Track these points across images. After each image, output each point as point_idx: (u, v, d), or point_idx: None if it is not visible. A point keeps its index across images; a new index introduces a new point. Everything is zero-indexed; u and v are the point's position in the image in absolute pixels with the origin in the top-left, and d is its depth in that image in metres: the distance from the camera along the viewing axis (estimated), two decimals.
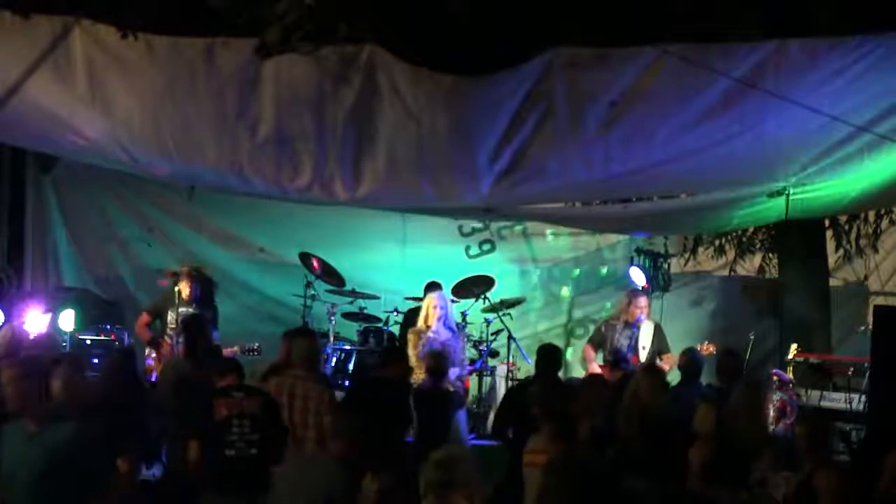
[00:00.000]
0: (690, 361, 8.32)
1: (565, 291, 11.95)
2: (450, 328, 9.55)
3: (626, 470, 5.84)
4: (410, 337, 9.56)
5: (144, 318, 9.48)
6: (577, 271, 11.94)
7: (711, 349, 9.60)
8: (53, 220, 11.39)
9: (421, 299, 10.66)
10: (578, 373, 11.27)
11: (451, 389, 8.63)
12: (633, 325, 9.64)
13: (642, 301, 9.77)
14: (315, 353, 7.19)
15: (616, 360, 8.94)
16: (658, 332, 9.70)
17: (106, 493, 5.19)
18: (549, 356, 8.02)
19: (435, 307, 9.58)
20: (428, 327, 9.48)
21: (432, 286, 10.56)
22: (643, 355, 9.53)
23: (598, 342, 9.83)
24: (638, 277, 10.42)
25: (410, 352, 9.29)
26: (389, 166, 7.41)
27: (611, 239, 11.64)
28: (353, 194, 7.64)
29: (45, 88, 7.25)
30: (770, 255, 11.00)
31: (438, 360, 8.46)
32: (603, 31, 6.96)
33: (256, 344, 9.32)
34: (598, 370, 9.47)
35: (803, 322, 10.29)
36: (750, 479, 6.08)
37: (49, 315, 9.47)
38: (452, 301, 10.67)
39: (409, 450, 7.54)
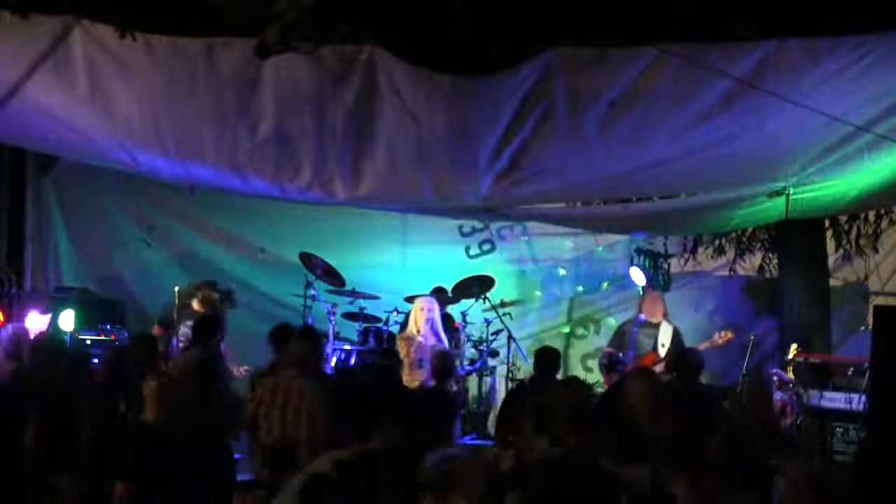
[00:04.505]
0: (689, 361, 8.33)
1: (565, 291, 11.94)
2: (436, 333, 9.58)
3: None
4: (401, 344, 9.57)
5: (156, 331, 9.40)
6: (576, 271, 11.94)
7: (729, 336, 9.65)
8: (53, 220, 11.39)
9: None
10: (579, 372, 11.31)
11: (454, 390, 8.64)
12: (634, 324, 9.70)
13: (648, 298, 9.84)
14: (308, 354, 7.17)
15: (611, 363, 8.96)
16: (676, 335, 9.76)
17: None
18: (548, 359, 8.07)
19: (422, 309, 9.62)
20: (417, 332, 9.51)
21: (433, 291, 10.58)
22: (662, 352, 9.63)
23: (618, 345, 9.85)
24: (638, 277, 10.43)
25: (403, 359, 9.31)
26: (389, 166, 7.41)
27: (611, 239, 11.63)
28: (353, 194, 7.64)
29: (45, 88, 7.24)
30: (770, 255, 10.99)
31: (444, 361, 8.47)
32: (603, 31, 6.95)
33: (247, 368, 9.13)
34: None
35: (803, 322, 10.30)
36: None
37: (49, 315, 9.47)
38: (450, 301, 10.69)
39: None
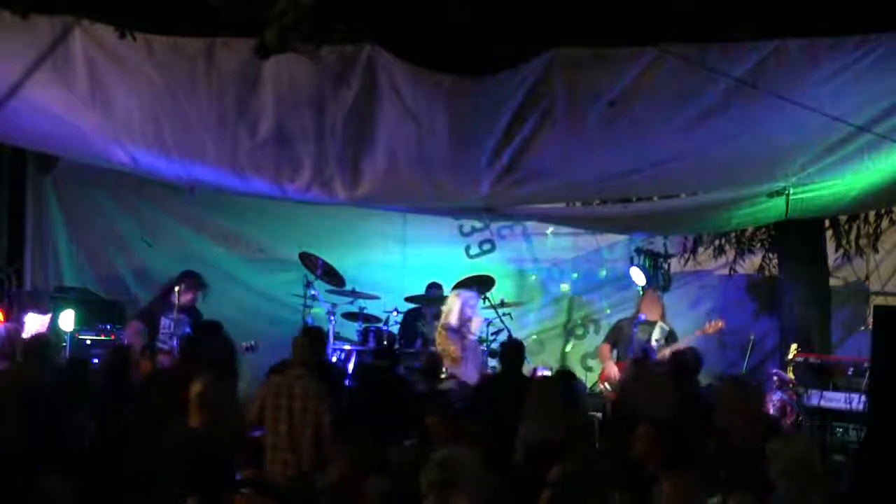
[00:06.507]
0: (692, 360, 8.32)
1: (565, 291, 11.94)
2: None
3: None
4: (443, 335, 9.46)
5: (134, 326, 9.40)
6: (576, 272, 11.94)
7: (719, 325, 9.68)
8: (53, 220, 11.37)
9: (420, 298, 10.68)
10: (579, 372, 11.30)
11: (450, 390, 8.62)
12: (634, 322, 9.73)
13: (647, 298, 9.87)
14: (313, 352, 7.23)
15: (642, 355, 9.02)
16: (670, 336, 9.83)
17: None
18: (513, 352, 8.09)
19: (469, 307, 9.57)
20: (466, 323, 9.49)
21: (429, 288, 10.59)
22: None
23: (613, 341, 9.93)
24: (638, 277, 10.44)
25: (446, 350, 9.27)
26: (389, 166, 7.42)
27: (611, 239, 11.62)
28: (353, 194, 7.65)
29: (45, 88, 7.25)
30: (770, 255, 10.99)
31: (431, 361, 8.48)
32: (603, 31, 6.95)
33: (252, 342, 9.34)
34: (614, 369, 9.61)
35: (803, 322, 10.29)
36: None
37: (49, 315, 9.46)
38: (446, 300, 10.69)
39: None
